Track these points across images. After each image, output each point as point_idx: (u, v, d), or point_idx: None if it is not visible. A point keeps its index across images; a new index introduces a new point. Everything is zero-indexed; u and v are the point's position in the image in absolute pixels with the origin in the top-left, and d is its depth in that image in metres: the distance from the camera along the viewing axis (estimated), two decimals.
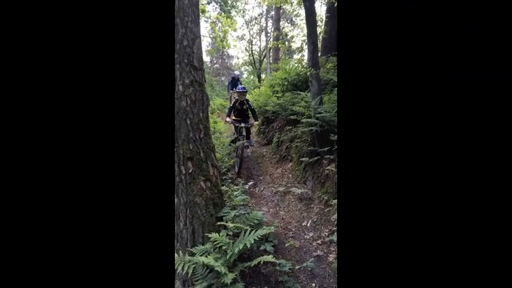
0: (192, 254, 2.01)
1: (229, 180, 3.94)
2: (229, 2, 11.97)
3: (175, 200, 2.31)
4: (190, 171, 2.25)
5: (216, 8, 11.76)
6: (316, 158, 3.52)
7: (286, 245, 2.49)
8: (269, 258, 1.81)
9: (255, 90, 8.48)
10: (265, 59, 13.31)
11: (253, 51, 14.11)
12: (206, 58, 19.18)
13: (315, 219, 3.01)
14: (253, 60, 13.70)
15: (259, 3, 13.28)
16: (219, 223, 2.19)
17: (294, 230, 2.93)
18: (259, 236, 1.98)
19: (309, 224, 2.99)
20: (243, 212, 2.41)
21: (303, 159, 3.76)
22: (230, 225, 2.09)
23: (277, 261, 1.99)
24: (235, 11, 12.73)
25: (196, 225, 2.18)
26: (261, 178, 4.30)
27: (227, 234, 2.08)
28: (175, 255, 1.97)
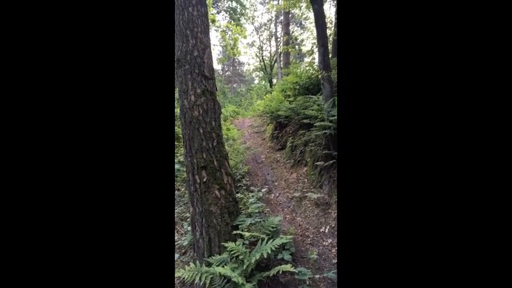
0: (209, 264, 2.00)
1: (244, 187, 3.92)
2: (239, 10, 12.14)
3: (191, 209, 2.32)
4: (204, 180, 2.25)
5: (225, 17, 11.97)
6: (331, 161, 3.44)
7: (310, 257, 2.42)
8: (287, 267, 1.75)
9: (267, 95, 8.50)
10: (275, 64, 13.35)
11: (264, 57, 14.20)
12: (217, 66, 19.49)
13: (333, 225, 2.92)
14: (264, 65, 13.77)
15: (268, 9, 13.41)
16: (235, 232, 2.17)
17: (311, 236, 2.86)
18: (276, 246, 1.93)
19: (327, 230, 2.91)
20: (258, 220, 2.38)
21: (318, 163, 3.69)
22: (246, 234, 2.06)
23: (296, 270, 1.93)
24: (245, 19, 12.89)
25: (212, 235, 2.17)
26: (275, 184, 4.26)
27: (243, 243, 2.05)
28: (192, 265, 1.96)
